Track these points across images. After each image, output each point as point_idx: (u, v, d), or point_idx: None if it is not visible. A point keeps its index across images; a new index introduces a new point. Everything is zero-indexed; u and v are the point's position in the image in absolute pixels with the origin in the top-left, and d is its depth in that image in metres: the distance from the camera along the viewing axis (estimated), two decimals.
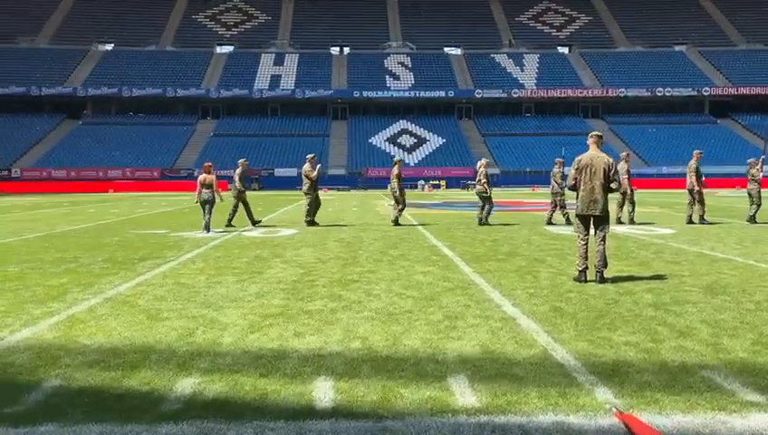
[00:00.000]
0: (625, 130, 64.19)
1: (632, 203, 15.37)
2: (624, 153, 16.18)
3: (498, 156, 58.96)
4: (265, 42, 75.46)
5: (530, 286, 7.06)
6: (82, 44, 71.91)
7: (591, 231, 7.39)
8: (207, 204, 13.58)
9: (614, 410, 3.43)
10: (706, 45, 74.30)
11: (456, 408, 3.52)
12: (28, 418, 3.41)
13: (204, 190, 13.53)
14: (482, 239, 12.07)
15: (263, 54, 72.98)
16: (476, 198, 15.87)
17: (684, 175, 16.33)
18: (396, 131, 65.15)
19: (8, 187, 51.91)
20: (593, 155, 7.29)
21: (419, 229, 14.35)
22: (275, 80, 68.96)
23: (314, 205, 15.30)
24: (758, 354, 4.44)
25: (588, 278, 7.28)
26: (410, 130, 65.43)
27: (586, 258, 7.29)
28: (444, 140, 63.23)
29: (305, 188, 15.19)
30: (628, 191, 15.23)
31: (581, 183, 7.28)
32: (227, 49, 75.35)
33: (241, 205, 15.26)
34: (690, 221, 15.22)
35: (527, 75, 70.34)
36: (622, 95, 67.11)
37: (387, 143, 63.14)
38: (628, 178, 15.32)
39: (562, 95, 67.61)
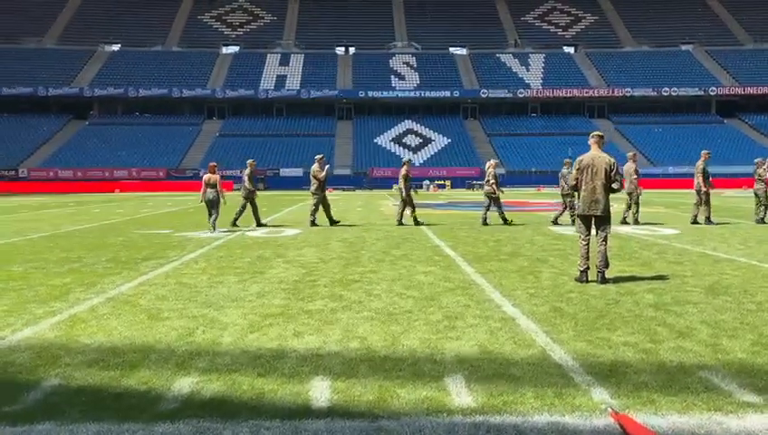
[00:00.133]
0: (631, 130, 64.00)
1: (636, 204, 15.32)
2: (631, 153, 16.09)
3: (504, 156, 58.85)
4: (271, 42, 75.61)
5: (531, 287, 7.05)
6: (89, 45, 72.23)
7: (593, 231, 7.38)
8: (212, 203, 13.67)
9: (609, 410, 3.43)
10: (713, 45, 73.98)
11: (452, 408, 3.52)
12: (26, 417, 3.44)
13: (209, 190, 13.62)
14: (485, 239, 12.07)
15: (268, 55, 73.13)
16: (482, 199, 15.85)
17: (690, 175, 16.25)
18: (401, 131, 65.14)
19: (15, 187, 52.21)
20: (594, 155, 7.28)
21: (423, 229, 14.35)
22: (281, 80, 69.09)
23: (322, 205, 15.28)
24: (757, 355, 4.43)
25: (589, 278, 7.27)
26: (415, 130, 65.42)
27: (587, 259, 7.29)
28: (449, 140, 63.20)
29: (313, 188, 15.21)
30: (637, 191, 15.16)
31: (583, 183, 7.27)
32: (233, 49, 75.53)
33: (249, 205, 15.33)
34: (695, 221, 15.16)
35: (533, 75, 70.23)
36: (628, 95, 66.89)
37: (392, 143, 63.14)
38: (637, 179, 15.26)
39: (568, 95, 67.46)
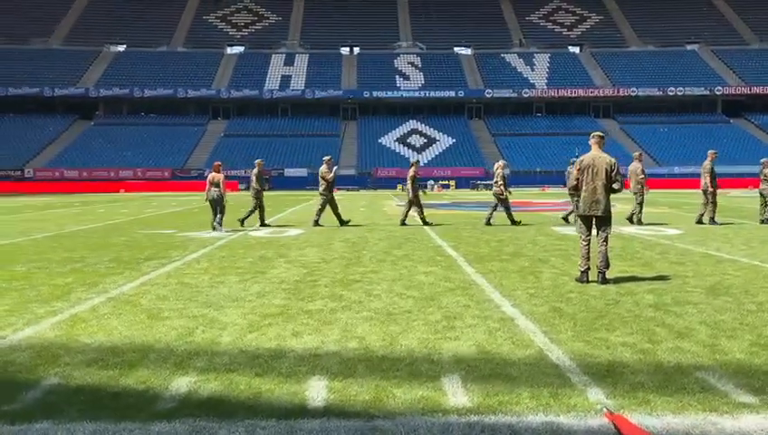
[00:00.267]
0: (636, 130, 63.82)
1: (640, 205, 15.28)
2: (637, 153, 16.03)
3: (508, 156, 58.68)
4: (276, 42, 75.70)
5: (531, 287, 7.05)
6: (94, 45, 72.49)
7: (594, 232, 7.37)
8: (216, 202, 13.76)
9: (604, 410, 3.43)
10: (719, 44, 73.66)
11: (448, 408, 3.53)
12: (25, 415, 3.46)
13: (213, 189, 13.74)
14: (487, 240, 12.06)
15: (273, 55, 73.23)
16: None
17: (696, 175, 16.17)
18: (406, 131, 65.13)
19: (21, 187, 52.46)
20: (595, 155, 7.27)
21: (425, 230, 14.35)
22: (285, 80, 69.18)
23: (329, 206, 15.28)
24: (755, 356, 4.42)
25: (590, 279, 7.26)
26: (420, 130, 65.39)
27: (588, 259, 7.28)
28: (454, 140, 63.15)
29: (321, 189, 15.22)
30: (643, 192, 15.12)
31: (583, 183, 7.27)
32: (238, 49, 75.65)
33: (251, 204, 15.40)
34: (700, 221, 15.09)
35: (538, 75, 70.10)
36: (633, 95, 66.66)
37: (397, 143, 63.14)
38: (644, 179, 15.22)
39: (573, 95, 67.30)
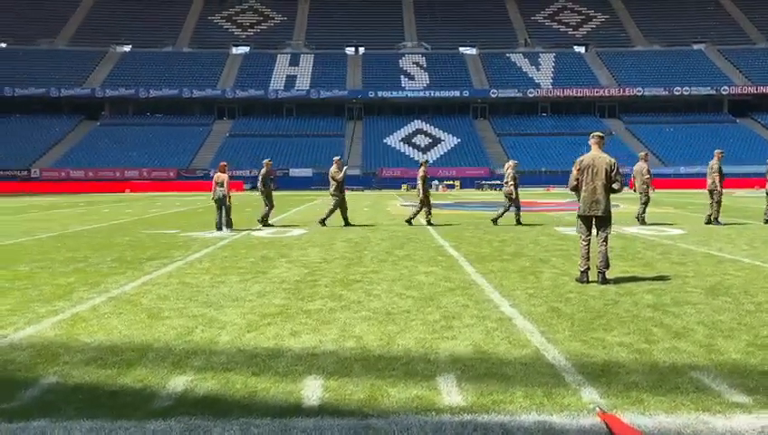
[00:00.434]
0: (642, 130, 63.64)
1: (644, 205, 15.24)
2: (642, 153, 16.00)
3: (513, 156, 58.36)
4: (281, 42, 75.85)
5: (530, 287, 7.06)
6: (100, 46, 72.81)
7: (594, 232, 7.38)
8: (221, 202, 13.87)
9: (597, 409, 3.45)
10: (725, 44, 73.39)
11: (441, 407, 3.55)
12: (23, 413, 3.50)
13: (218, 189, 13.89)
14: (489, 240, 12.07)
15: (278, 55, 73.37)
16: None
17: (703, 175, 16.10)
18: (411, 131, 65.12)
19: (27, 187, 52.73)
20: (595, 155, 7.28)
21: (428, 229, 14.37)
22: (291, 80, 69.29)
23: (339, 208, 15.31)
24: (751, 356, 4.43)
25: (590, 279, 7.27)
26: (425, 130, 65.38)
27: (588, 259, 7.29)
28: (459, 140, 63.11)
29: (332, 189, 15.23)
30: (648, 192, 15.09)
31: (583, 184, 7.27)
32: (243, 50, 75.81)
33: (263, 204, 15.50)
34: (709, 221, 14.99)
35: (543, 75, 69.98)
36: (639, 94, 66.46)
37: (401, 143, 63.14)
38: (650, 178, 15.19)
39: (579, 95, 67.15)
